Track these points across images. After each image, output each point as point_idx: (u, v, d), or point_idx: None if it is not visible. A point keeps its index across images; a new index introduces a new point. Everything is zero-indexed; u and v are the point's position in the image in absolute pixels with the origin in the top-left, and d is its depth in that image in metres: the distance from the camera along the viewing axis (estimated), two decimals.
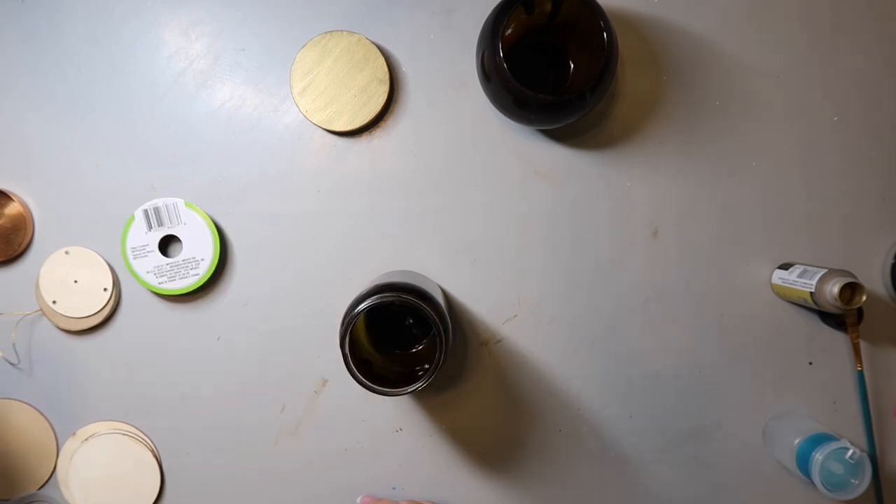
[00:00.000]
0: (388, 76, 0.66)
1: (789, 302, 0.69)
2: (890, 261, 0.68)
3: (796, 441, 0.65)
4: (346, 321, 0.54)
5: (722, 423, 0.70)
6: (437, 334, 0.54)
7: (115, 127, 0.69)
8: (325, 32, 0.66)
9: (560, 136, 0.68)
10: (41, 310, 0.69)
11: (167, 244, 0.68)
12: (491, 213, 0.69)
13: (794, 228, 0.69)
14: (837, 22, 0.68)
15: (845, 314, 0.66)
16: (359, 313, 0.53)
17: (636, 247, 0.69)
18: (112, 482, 0.70)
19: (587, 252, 0.69)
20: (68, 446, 0.70)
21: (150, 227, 0.67)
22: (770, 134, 0.68)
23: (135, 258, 0.67)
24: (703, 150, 0.68)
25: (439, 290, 0.64)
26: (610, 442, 0.70)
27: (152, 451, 0.70)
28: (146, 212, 0.67)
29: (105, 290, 0.68)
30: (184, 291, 0.68)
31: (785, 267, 0.67)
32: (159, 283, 0.68)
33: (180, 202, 0.67)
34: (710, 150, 0.68)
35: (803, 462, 0.64)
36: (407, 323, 0.67)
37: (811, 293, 0.62)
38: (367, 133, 0.69)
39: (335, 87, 0.66)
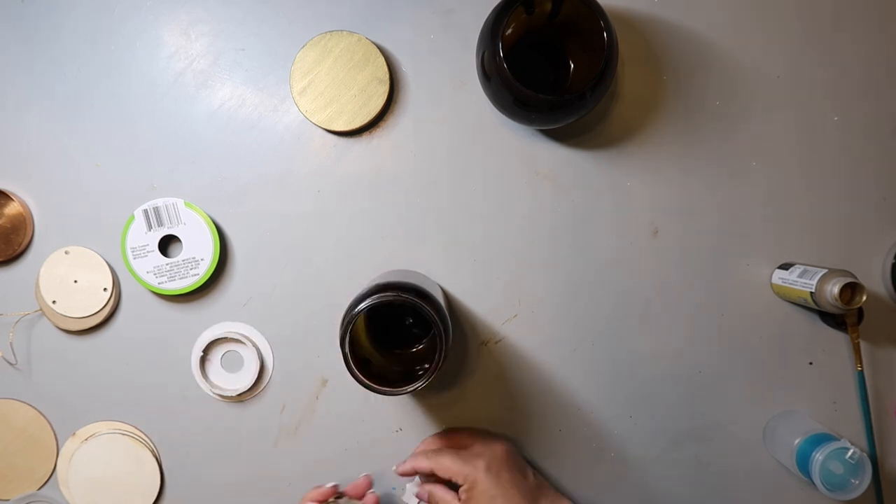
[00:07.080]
0: (388, 76, 0.66)
1: (789, 302, 0.69)
2: (890, 261, 0.68)
3: (796, 441, 0.65)
4: (345, 321, 0.54)
5: (722, 423, 0.70)
6: (437, 334, 0.54)
7: (114, 127, 0.69)
8: (325, 32, 0.66)
9: (560, 136, 0.68)
10: (41, 310, 0.68)
11: (167, 244, 0.68)
12: (491, 213, 0.69)
13: (793, 228, 0.69)
14: (838, 22, 0.68)
15: (845, 314, 0.66)
16: (359, 313, 0.53)
17: (636, 247, 0.69)
18: (112, 482, 0.70)
19: (587, 252, 0.69)
20: (68, 446, 0.70)
21: (149, 227, 0.67)
22: (770, 134, 0.68)
23: (135, 258, 0.67)
24: (704, 150, 0.68)
25: (439, 290, 0.64)
26: (610, 442, 0.70)
27: (152, 451, 0.70)
28: (146, 212, 0.67)
29: (105, 289, 0.68)
30: (184, 291, 0.68)
31: (785, 267, 0.67)
32: (159, 283, 0.67)
33: (180, 202, 0.67)
34: (711, 149, 0.68)
35: (803, 462, 0.64)
36: (407, 323, 0.66)
37: (811, 293, 0.62)
38: (367, 133, 0.69)
39: (335, 87, 0.66)
